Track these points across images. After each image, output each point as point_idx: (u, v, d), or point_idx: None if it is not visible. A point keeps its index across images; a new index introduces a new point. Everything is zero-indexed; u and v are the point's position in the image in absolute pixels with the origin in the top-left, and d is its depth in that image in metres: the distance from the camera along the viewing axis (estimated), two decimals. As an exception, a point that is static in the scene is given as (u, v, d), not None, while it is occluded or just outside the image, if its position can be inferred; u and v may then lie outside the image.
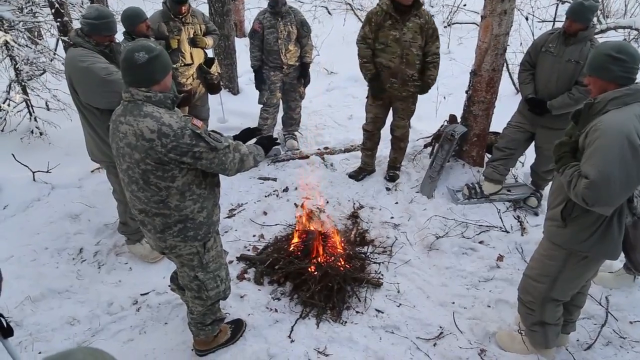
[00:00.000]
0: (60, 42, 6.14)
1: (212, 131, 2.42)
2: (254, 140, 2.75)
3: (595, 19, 7.03)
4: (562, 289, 2.62)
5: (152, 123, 2.12)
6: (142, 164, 2.19)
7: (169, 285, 3.03)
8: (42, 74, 5.48)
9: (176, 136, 2.13)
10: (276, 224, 4.16)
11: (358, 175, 4.83)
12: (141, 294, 3.45)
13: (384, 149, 4.88)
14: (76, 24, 4.29)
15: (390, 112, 4.52)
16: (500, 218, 4.15)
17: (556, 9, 6.24)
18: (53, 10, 5.33)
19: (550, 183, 2.85)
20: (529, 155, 4.44)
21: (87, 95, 3.13)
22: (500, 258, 3.78)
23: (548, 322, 2.75)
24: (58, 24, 5.57)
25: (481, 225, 4.08)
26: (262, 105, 5.13)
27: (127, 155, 2.22)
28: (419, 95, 4.31)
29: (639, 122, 2.13)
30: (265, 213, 4.32)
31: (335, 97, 6.82)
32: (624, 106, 2.16)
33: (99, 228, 4.06)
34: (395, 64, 4.07)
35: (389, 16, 3.97)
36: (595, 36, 5.61)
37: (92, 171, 4.76)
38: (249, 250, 3.87)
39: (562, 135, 3.88)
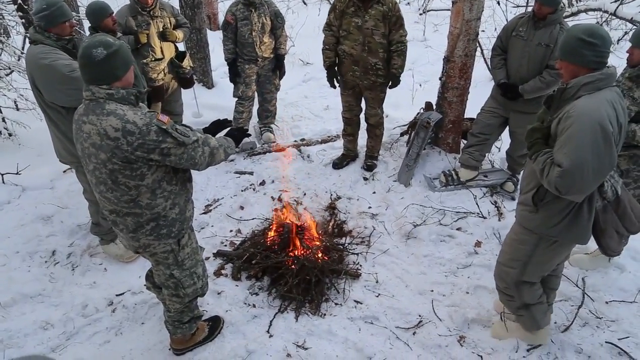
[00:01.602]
0: (27, 39, 5.97)
1: (182, 125, 2.36)
2: (224, 132, 2.71)
3: (566, 1, 7.10)
4: (533, 272, 2.63)
5: (116, 121, 2.05)
6: (108, 164, 2.13)
7: (145, 284, 2.98)
8: (10, 73, 5.32)
9: (142, 133, 2.07)
10: (253, 218, 4.12)
11: (341, 162, 4.83)
12: (116, 295, 3.39)
13: (360, 139, 4.86)
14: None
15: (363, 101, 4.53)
16: (477, 204, 4.17)
17: (528, -7, 6.27)
18: (16, 6, 5.16)
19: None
20: (505, 140, 4.46)
21: (51, 93, 3.04)
22: (478, 244, 3.79)
23: (530, 302, 2.75)
24: (23, 20, 5.40)
25: (458, 212, 4.09)
26: (237, 99, 5.05)
27: (93, 156, 2.16)
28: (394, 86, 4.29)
29: (611, 108, 2.11)
30: (242, 207, 4.27)
31: (312, 88, 6.77)
32: (596, 91, 2.15)
33: (72, 229, 3.97)
34: (357, 51, 4.05)
35: (352, 3, 3.97)
36: (567, 19, 5.67)
37: (65, 171, 4.65)
38: (226, 245, 3.82)
39: (535, 119, 3.90)
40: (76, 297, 3.36)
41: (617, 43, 6.98)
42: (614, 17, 5.38)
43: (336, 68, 4.31)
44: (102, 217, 3.53)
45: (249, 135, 2.80)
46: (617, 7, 4.96)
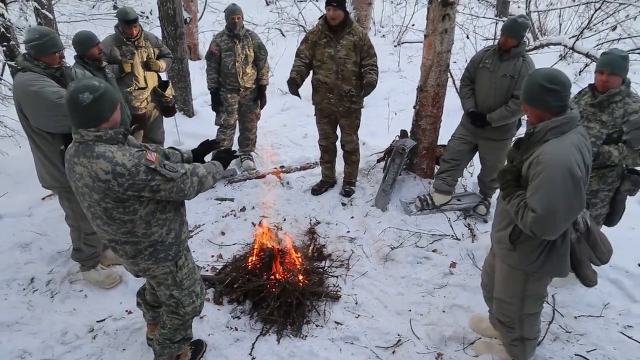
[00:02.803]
0: (7, 67, 5.99)
1: (170, 148, 2.43)
2: (211, 155, 2.79)
3: (531, 36, 7.51)
4: (532, 304, 2.72)
5: (106, 164, 2.12)
6: (102, 203, 2.21)
7: (129, 311, 2.97)
8: (-12, 101, 5.33)
9: (131, 174, 2.14)
10: (234, 244, 4.18)
11: (320, 188, 4.95)
12: (97, 321, 3.37)
13: (337, 165, 5.01)
14: (23, 48, 4.20)
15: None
16: (451, 226, 4.32)
17: (495, 27, 6.63)
18: (-2, 36, 5.23)
19: (498, 190, 2.98)
20: (477, 165, 4.65)
21: (38, 119, 3.08)
22: (453, 265, 3.93)
23: (528, 337, 2.83)
24: (4, 48, 5.45)
25: (434, 235, 4.23)
26: (219, 127, 5.17)
27: (87, 195, 2.23)
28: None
29: (578, 153, 2.24)
30: (223, 233, 4.33)
31: (291, 117, 6.92)
32: (562, 135, 2.27)
33: (52, 256, 3.94)
34: (331, 79, 4.24)
35: (324, 35, 4.18)
36: (532, 52, 6.01)
37: (43, 198, 4.63)
38: (207, 270, 3.86)
39: (503, 146, 4.08)
40: (55, 325, 3.33)
41: (579, 74, 7.40)
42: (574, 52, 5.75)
43: (313, 95, 4.46)
44: (84, 243, 3.54)
45: (237, 156, 2.88)
46: (574, 42, 5.32)
